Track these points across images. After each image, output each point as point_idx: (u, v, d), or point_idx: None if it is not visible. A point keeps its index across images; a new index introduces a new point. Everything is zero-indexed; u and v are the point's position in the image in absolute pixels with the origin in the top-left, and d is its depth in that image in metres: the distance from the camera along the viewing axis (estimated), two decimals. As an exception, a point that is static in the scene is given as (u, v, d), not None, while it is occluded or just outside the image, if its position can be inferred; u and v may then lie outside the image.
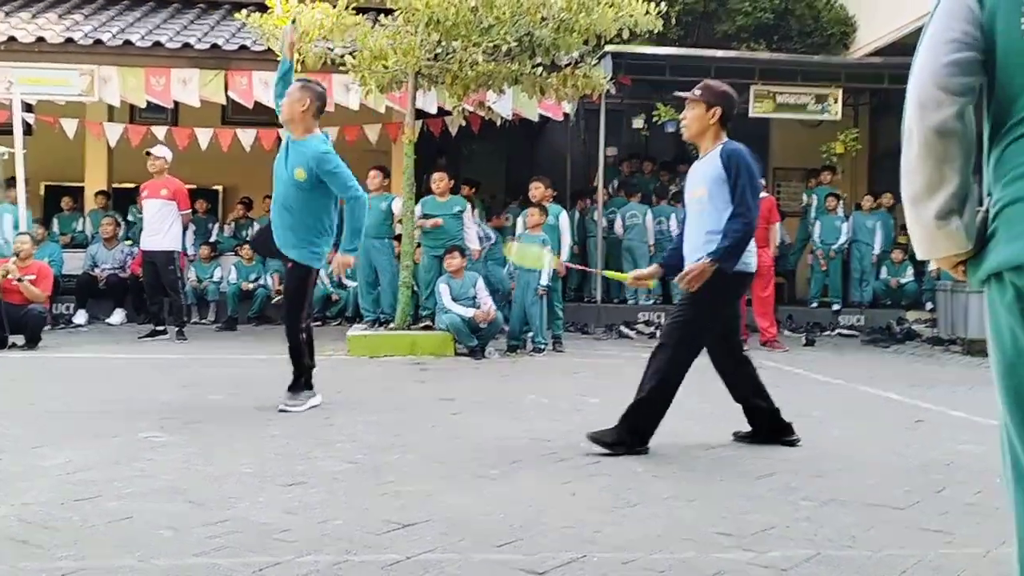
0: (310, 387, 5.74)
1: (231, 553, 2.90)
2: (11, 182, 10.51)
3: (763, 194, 9.93)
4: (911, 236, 1.83)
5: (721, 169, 4.43)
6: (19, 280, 8.59)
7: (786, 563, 2.89)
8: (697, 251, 4.50)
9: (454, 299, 8.62)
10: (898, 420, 5.70)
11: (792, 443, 4.74)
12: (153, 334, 9.65)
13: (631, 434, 4.45)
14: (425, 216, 9.42)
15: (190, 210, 10.14)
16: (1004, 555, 1.89)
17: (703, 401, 6.28)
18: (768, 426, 4.80)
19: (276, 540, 3.03)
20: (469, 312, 8.51)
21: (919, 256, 1.86)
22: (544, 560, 2.89)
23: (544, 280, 8.83)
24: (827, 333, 11.60)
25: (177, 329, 9.73)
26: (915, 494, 3.81)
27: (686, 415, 5.68)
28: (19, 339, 8.64)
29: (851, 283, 12.51)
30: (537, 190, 9.44)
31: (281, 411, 5.45)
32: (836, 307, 12.21)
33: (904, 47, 11.97)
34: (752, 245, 4.55)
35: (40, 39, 11.25)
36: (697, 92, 4.58)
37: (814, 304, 12.38)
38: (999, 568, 2.39)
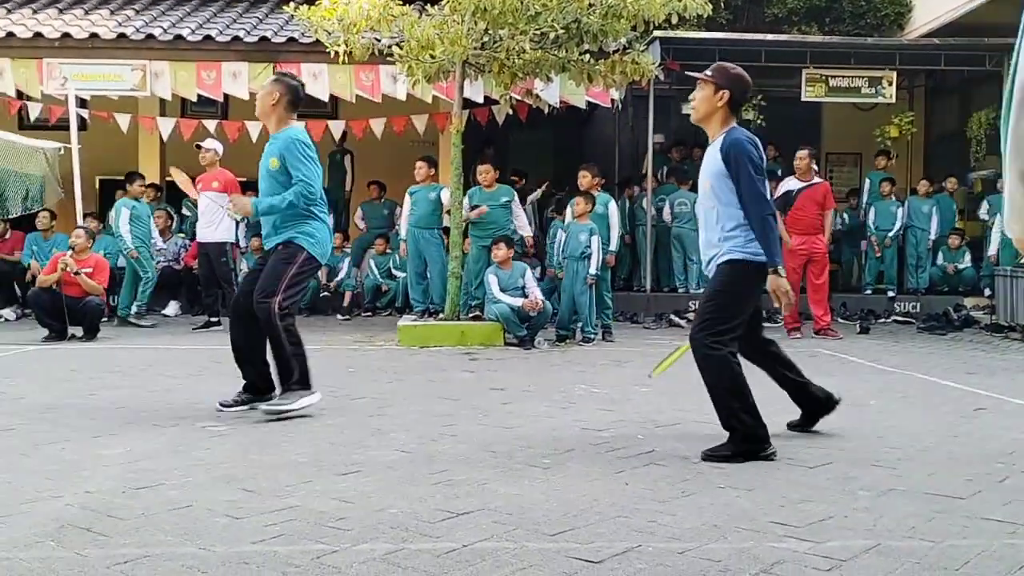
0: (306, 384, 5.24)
1: (288, 541, 2.93)
2: (132, 176, 10.73)
3: (817, 179, 9.83)
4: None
5: (721, 163, 4.27)
6: (76, 273, 8.77)
7: (845, 553, 2.85)
8: (712, 247, 4.35)
9: (502, 289, 8.64)
10: (957, 408, 5.59)
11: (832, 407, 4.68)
12: (207, 325, 9.79)
13: (746, 442, 4.21)
14: (473, 207, 9.45)
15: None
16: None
17: (756, 390, 6.21)
18: (812, 405, 4.70)
19: (332, 528, 3.06)
20: (518, 302, 8.52)
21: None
22: (599, 549, 2.88)
23: (593, 269, 8.80)
24: (882, 320, 11.41)
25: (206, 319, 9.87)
26: (977, 483, 3.73)
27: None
28: (78, 331, 8.82)
29: (906, 269, 12.28)
30: (584, 179, 9.39)
31: (268, 414, 5.04)
32: (891, 294, 12.01)
33: (961, 27, 11.70)
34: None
35: (93, 35, 11.45)
36: (708, 72, 4.45)
37: (868, 291, 12.18)
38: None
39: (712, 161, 4.34)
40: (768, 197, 4.27)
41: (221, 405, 5.21)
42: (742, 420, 4.19)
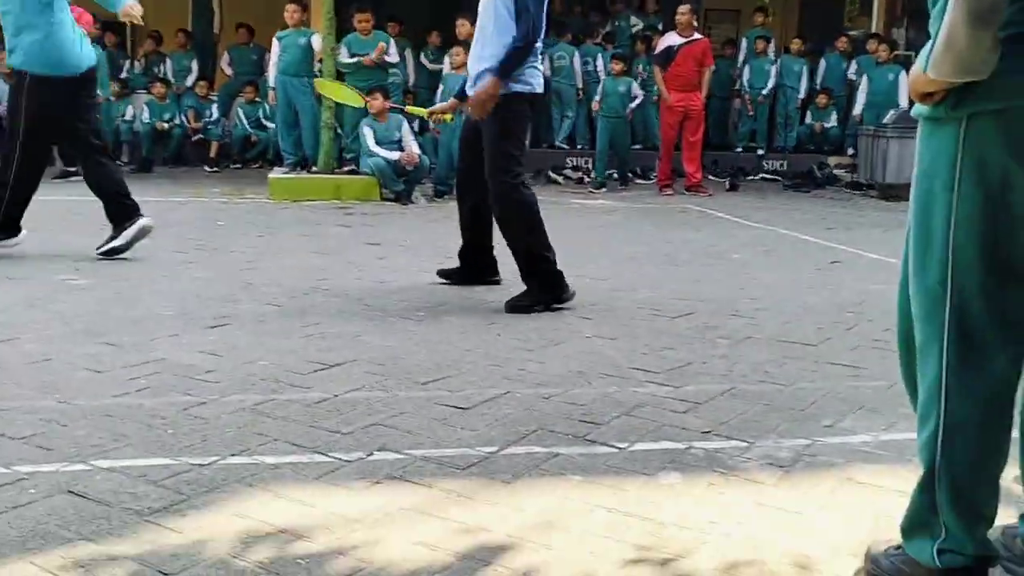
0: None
1: (154, 393, 2.89)
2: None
3: (697, 36, 9.83)
4: (949, 50, 1.52)
5: None
6: None
7: (702, 396, 3.00)
8: (483, 62, 4.21)
9: (378, 142, 8.43)
10: (814, 262, 5.87)
11: (495, 282, 4.73)
12: (65, 175, 9.27)
13: (543, 291, 4.25)
14: (353, 56, 9.13)
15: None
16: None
17: (626, 244, 6.37)
18: (474, 264, 4.73)
19: (199, 380, 3.03)
20: (394, 155, 8.35)
21: (937, 74, 1.59)
22: (469, 396, 2.94)
23: (470, 123, 8.67)
24: (751, 178, 11.73)
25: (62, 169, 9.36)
26: (827, 331, 3.96)
27: (611, 261, 5.76)
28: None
29: (776, 128, 12.55)
30: (463, 27, 9.13)
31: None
32: (760, 152, 12.31)
33: None
34: (538, 63, 4.29)
35: None
36: None
37: (739, 149, 12.44)
38: (901, 400, 2.51)
39: None
40: (540, 18, 4.15)
41: None
42: (540, 263, 4.24)
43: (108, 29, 12.20)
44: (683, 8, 9.72)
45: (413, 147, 8.54)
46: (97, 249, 5.19)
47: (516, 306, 4.19)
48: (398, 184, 8.40)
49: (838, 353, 3.61)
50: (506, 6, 4.14)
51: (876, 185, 10.09)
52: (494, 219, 4.42)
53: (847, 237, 6.96)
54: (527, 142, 4.47)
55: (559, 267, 4.28)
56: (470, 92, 4.31)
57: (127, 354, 3.31)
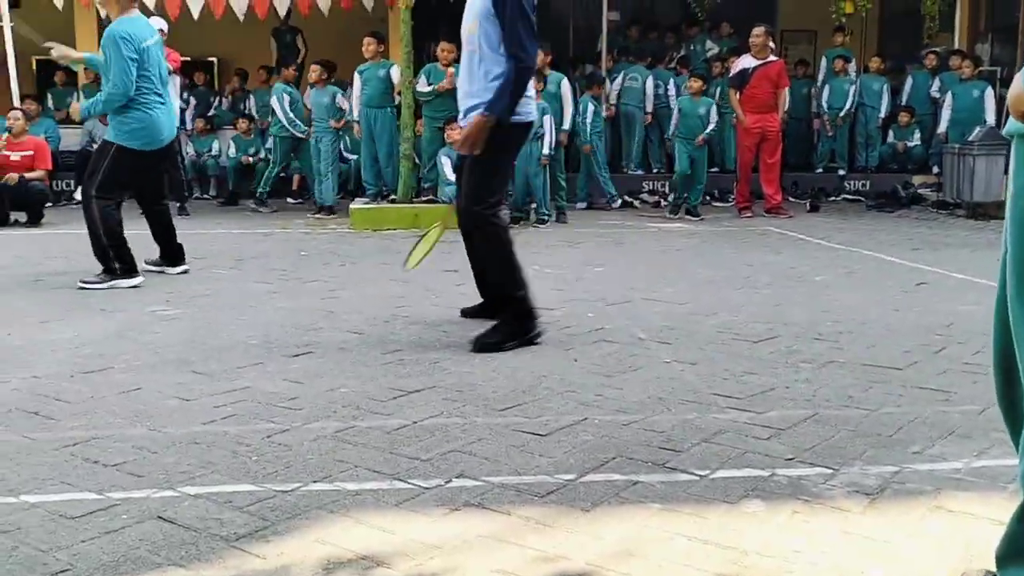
0: (125, 272, 5.54)
1: (239, 421, 2.96)
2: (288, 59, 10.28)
3: (772, 57, 9.72)
4: None
5: (489, 1, 3.85)
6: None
7: (784, 422, 2.95)
8: (472, 98, 3.98)
9: (454, 170, 8.52)
10: (900, 283, 5.72)
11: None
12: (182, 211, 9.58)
13: (518, 322, 4.06)
14: (431, 85, 9.30)
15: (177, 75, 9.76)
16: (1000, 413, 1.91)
17: (704, 267, 6.31)
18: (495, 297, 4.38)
19: (283, 408, 3.09)
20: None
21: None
22: (547, 423, 2.94)
23: (546, 149, 8.72)
24: (832, 199, 11.51)
25: (179, 204, 9.68)
26: (914, 355, 3.85)
27: (689, 285, 5.71)
28: (22, 216, 8.63)
29: (856, 147, 12.31)
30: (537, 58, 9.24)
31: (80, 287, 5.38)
32: (842, 172, 12.08)
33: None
34: (531, 90, 4.02)
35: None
36: None
37: (819, 169, 12.22)
38: (994, 425, 2.43)
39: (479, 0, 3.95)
40: (533, 47, 3.91)
41: None
42: (513, 296, 4.05)
43: (198, 68, 12.69)
44: (757, 30, 9.61)
45: None
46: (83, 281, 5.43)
47: (485, 344, 3.93)
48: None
49: (926, 377, 3.51)
50: (488, 40, 3.91)
51: (963, 204, 9.80)
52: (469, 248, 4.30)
53: (933, 257, 6.76)
54: (510, 174, 4.26)
55: (530, 304, 4.08)
56: (462, 124, 4.11)
57: (214, 382, 3.40)
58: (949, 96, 10.96)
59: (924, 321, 4.55)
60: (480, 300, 4.55)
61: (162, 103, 5.53)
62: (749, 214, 9.63)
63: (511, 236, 4.16)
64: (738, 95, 9.67)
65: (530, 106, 4.09)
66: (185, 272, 5.93)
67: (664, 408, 3.11)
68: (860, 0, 12.16)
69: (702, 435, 2.83)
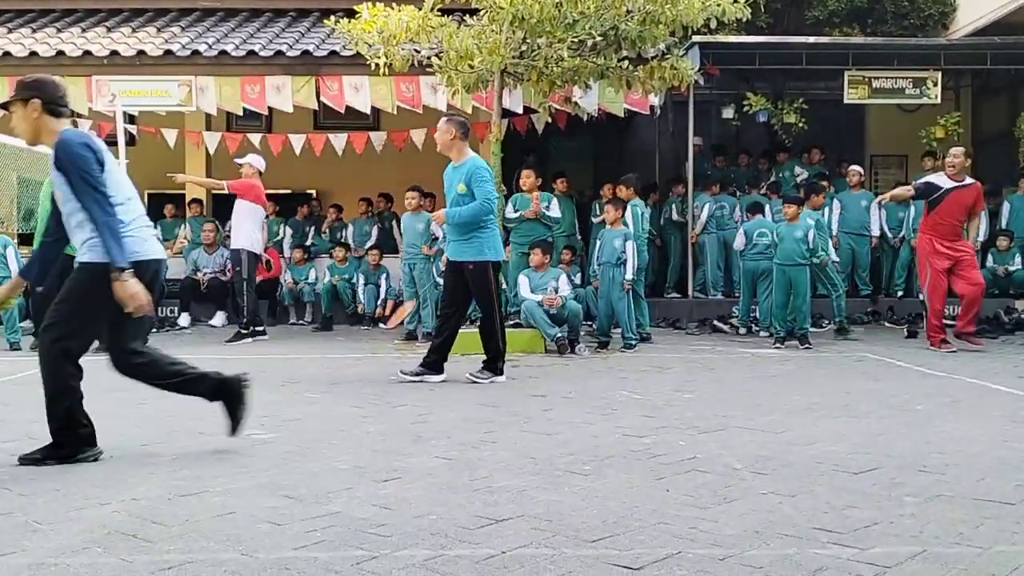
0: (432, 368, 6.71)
1: (329, 547, 2.95)
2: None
3: (969, 180, 8.90)
4: None
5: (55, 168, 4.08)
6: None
7: (890, 560, 2.80)
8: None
9: (532, 290, 8.69)
10: (1008, 413, 5.47)
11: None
12: (239, 336, 9.85)
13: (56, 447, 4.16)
14: (517, 211, 9.61)
15: (260, 207, 10.12)
16: None
17: (800, 395, 6.16)
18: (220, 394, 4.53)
19: (372, 534, 3.08)
20: (538, 297, 8.58)
21: None
22: (639, 556, 2.86)
23: (629, 274, 8.78)
24: (930, 324, 11.18)
25: (237, 330, 9.92)
26: (1028, 489, 3.66)
27: (785, 413, 5.58)
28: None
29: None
30: (621, 192, 9.50)
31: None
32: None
33: (1007, 26, 11.50)
34: (138, 231, 4.17)
35: (141, 52, 11.68)
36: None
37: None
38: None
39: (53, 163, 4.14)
40: (106, 200, 4.04)
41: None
42: (55, 423, 4.13)
43: (300, 202, 13.40)
44: (956, 150, 8.96)
45: (563, 292, 8.68)
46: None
47: (26, 458, 4.11)
48: (552, 328, 8.49)
49: (1043, 513, 3.31)
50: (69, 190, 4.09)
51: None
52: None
53: (1044, 385, 6.48)
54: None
55: None
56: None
57: (305, 507, 3.42)
58: (982, 224, 10.42)
59: (1037, 453, 4.32)
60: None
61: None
62: (952, 347, 8.72)
63: (76, 368, 4.16)
64: (927, 211, 8.91)
65: (142, 244, 4.19)
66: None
67: (762, 542, 3.00)
68: (951, 125, 12.14)
69: (803, 571, 2.71)
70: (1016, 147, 12.47)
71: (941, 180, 8.86)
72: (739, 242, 10.44)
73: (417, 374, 6.70)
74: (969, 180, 8.92)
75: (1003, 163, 13.17)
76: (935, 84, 11.89)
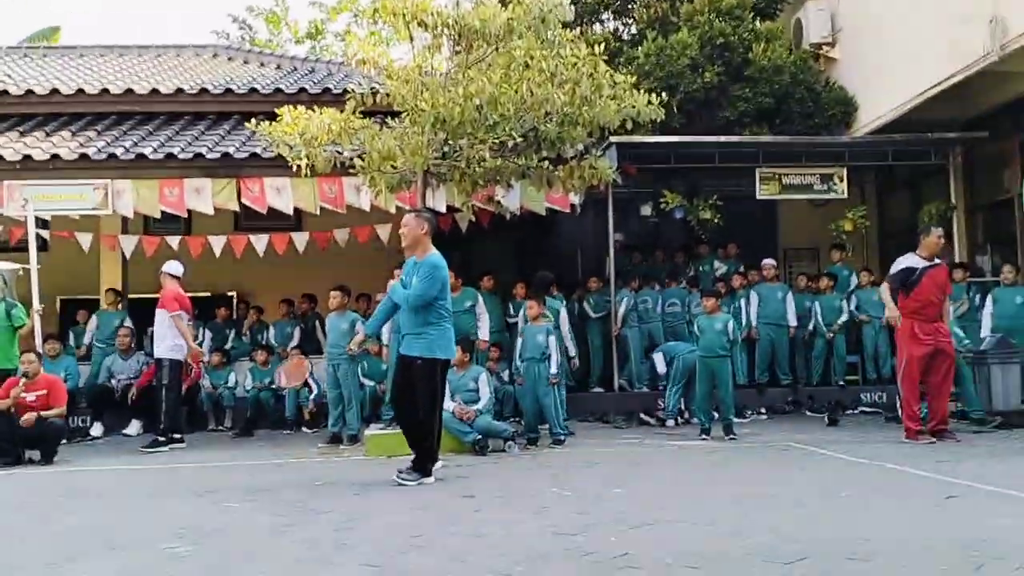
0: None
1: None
2: None
3: (937, 260, 8.73)
4: None
5: None
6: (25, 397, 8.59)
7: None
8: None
9: (452, 392, 8.45)
10: (929, 498, 5.56)
11: None
12: (154, 444, 9.52)
13: None
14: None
15: (179, 312, 9.85)
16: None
17: (729, 485, 6.17)
18: None
19: (297, 650, 2.94)
20: (450, 407, 8.24)
21: None
22: (575, 659, 2.78)
23: (554, 368, 8.78)
24: (850, 412, 11.42)
25: (153, 438, 9.64)
26: (952, 573, 3.69)
27: (715, 505, 5.57)
28: (35, 454, 8.59)
29: (866, 360, 12.36)
30: (531, 310, 9.33)
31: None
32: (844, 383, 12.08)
33: (906, 124, 12.12)
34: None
35: (55, 156, 11.49)
36: None
37: (841, 383, 12.17)
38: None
39: None
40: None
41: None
42: None
43: (219, 304, 13.14)
44: (938, 231, 8.80)
45: (483, 398, 8.58)
46: None
47: None
48: (468, 433, 8.33)
49: (971, 597, 3.34)
50: None
51: (993, 414, 9.64)
52: None
53: (960, 469, 6.62)
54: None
55: None
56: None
57: (225, 623, 3.26)
58: (950, 305, 10.89)
59: (959, 536, 4.39)
60: None
61: None
62: (930, 439, 8.38)
63: None
64: (904, 296, 8.64)
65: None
66: None
67: (698, 639, 2.95)
68: (858, 219, 12.65)
69: (740, 668, 2.67)
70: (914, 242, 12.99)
71: (914, 261, 8.70)
72: (660, 367, 10.67)
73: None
74: (938, 260, 8.85)
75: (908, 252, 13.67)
76: (841, 180, 12.43)
